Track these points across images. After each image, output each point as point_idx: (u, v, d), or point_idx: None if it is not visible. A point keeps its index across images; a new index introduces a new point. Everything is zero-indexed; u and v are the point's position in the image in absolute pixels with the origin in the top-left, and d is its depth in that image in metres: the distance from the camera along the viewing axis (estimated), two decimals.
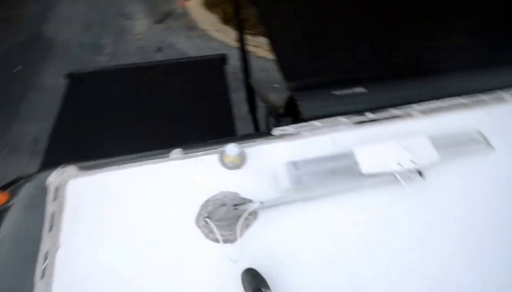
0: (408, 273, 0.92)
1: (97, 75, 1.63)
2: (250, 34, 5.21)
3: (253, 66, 5.01)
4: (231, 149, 0.99)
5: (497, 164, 1.16)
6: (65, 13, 5.99)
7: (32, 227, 0.89)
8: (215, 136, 1.17)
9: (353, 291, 0.88)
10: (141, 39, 5.39)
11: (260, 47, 4.71)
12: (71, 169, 0.97)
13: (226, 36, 5.45)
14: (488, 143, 1.20)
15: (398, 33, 1.41)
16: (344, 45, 1.33)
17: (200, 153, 1.05)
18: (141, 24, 5.69)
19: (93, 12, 5.97)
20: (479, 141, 1.20)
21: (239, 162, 1.04)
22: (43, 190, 0.96)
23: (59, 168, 0.97)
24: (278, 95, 1.78)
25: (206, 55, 1.74)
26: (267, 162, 1.06)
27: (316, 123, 1.19)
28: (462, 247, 0.97)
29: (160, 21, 5.75)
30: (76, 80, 1.70)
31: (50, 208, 0.90)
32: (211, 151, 1.07)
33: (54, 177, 0.96)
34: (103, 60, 4.96)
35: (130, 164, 1.00)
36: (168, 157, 1.05)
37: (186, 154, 1.05)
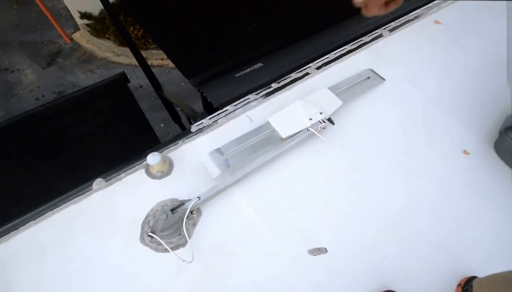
0: (344, 210, 1.03)
1: None
2: (155, 48, 5.09)
3: (170, 78, 4.91)
4: (152, 158, 0.98)
5: (391, 89, 1.35)
6: None
7: None
8: (139, 153, 1.15)
9: (306, 245, 0.96)
10: (35, 89, 4.88)
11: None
12: None
13: (130, 58, 5.24)
14: (379, 77, 1.39)
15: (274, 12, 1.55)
16: (229, 31, 1.41)
17: (122, 174, 1.02)
18: (28, 74, 5.14)
19: None
20: (372, 77, 1.39)
21: (167, 168, 1.04)
22: None
23: None
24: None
25: (104, 79, 1.67)
26: (193, 159, 1.08)
27: (229, 107, 1.24)
28: (381, 171, 1.12)
29: (49, 64, 5.25)
30: None
31: None
32: (135, 167, 1.05)
33: None
34: None
35: (49, 214, 0.93)
36: (91, 190, 1.00)
37: (108, 180, 1.01)
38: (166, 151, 1.10)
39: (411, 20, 1.66)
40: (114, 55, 5.42)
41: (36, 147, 1.45)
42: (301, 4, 1.54)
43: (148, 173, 1.03)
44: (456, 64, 1.47)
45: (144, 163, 1.03)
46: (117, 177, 1.01)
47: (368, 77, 1.36)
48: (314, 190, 1.06)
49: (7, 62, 5.40)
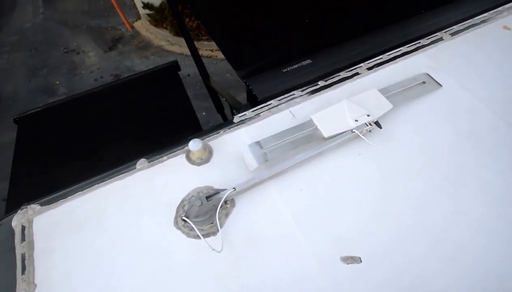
0: (386, 220, 0.93)
1: (47, 112, 1.55)
2: (206, 40, 5.18)
3: (217, 69, 4.97)
4: (194, 144, 0.96)
5: (447, 97, 1.20)
6: (1, 64, 5.64)
7: (6, 273, 0.83)
8: (182, 138, 1.15)
9: (339, 251, 0.88)
10: (96, 70, 5.21)
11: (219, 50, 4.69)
12: (33, 207, 0.92)
13: (182, 47, 5.38)
14: (436, 82, 1.25)
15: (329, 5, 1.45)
16: (281, 26, 1.35)
17: (165, 157, 1.02)
18: (91, 56, 5.50)
19: (35, 56, 5.62)
20: (428, 82, 1.25)
21: (206, 156, 1.02)
22: (11, 234, 0.90)
23: (20, 209, 0.92)
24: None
25: (158, 66, 1.71)
26: (233, 149, 1.04)
27: (273, 102, 1.19)
28: (428, 181, 1.00)
29: (111, 48, 5.58)
30: (25, 123, 1.61)
31: (19, 249, 0.84)
32: (177, 152, 1.04)
33: (17, 219, 0.90)
34: None
35: (95, 186, 0.96)
36: (134, 169, 1.02)
37: (151, 161, 1.01)
38: (207, 138, 1.08)
39: (477, 24, 1.47)
40: (168, 44, 5.60)
41: (90, 124, 1.52)
42: (357, 1, 1.43)
43: (188, 158, 1.02)
44: None
45: (185, 148, 1.02)
46: (160, 159, 1.01)
47: (424, 82, 1.22)
48: (353, 195, 0.97)
49: (74, 44, 5.82)
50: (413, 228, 0.92)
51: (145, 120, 1.60)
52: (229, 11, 1.53)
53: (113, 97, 1.56)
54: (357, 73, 1.27)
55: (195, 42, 1.97)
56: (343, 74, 1.26)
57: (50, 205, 0.92)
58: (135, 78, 1.72)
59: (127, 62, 5.31)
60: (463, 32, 1.43)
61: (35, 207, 0.92)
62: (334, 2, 1.57)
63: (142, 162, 1.02)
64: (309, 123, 1.07)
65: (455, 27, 1.45)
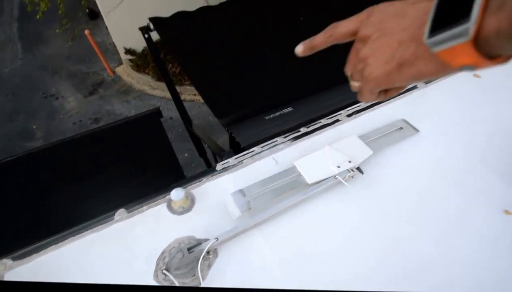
0: (373, 266, 0.98)
1: (20, 160, 1.59)
2: (189, 84, 5.45)
3: (200, 112, 5.16)
4: (176, 193, 1.02)
5: (424, 141, 1.33)
6: None
7: None
8: (164, 186, 1.20)
9: None
10: (74, 115, 5.32)
11: None
12: (4, 262, 0.92)
13: (164, 91, 5.62)
14: (413, 127, 1.38)
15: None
16: (262, 75, 1.50)
17: (145, 207, 1.06)
18: (71, 101, 5.64)
19: (13, 101, 5.78)
20: (405, 128, 1.38)
21: (188, 205, 1.07)
22: None
23: None
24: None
25: (140, 113, 1.81)
26: (216, 197, 1.10)
27: (256, 149, 1.28)
28: (412, 225, 1.07)
29: (91, 93, 5.75)
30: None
31: None
32: (158, 201, 1.09)
33: None
34: (36, 145, 4.77)
35: (70, 239, 0.98)
36: (113, 220, 1.04)
37: (131, 211, 1.05)
38: (189, 186, 1.13)
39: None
40: (150, 88, 5.84)
41: (68, 172, 1.56)
42: (335, 52, 1.61)
43: (170, 207, 1.07)
44: (498, 118, 1.43)
45: (167, 197, 1.07)
46: (140, 209, 1.05)
47: (401, 128, 1.36)
48: (338, 241, 1.02)
49: (54, 89, 5.97)
50: (399, 273, 0.96)
51: (125, 168, 1.65)
52: (210, 60, 1.69)
53: (93, 145, 1.62)
54: (337, 120, 1.39)
55: (178, 87, 2.11)
56: (324, 121, 1.39)
57: (23, 260, 0.93)
58: (115, 126, 1.80)
59: (107, 106, 5.46)
60: (437, 81, 1.62)
61: (6, 261, 0.92)
62: (314, 53, 1.76)
63: (120, 212, 1.05)
64: (292, 169, 1.16)
65: None
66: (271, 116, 1.39)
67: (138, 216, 1.04)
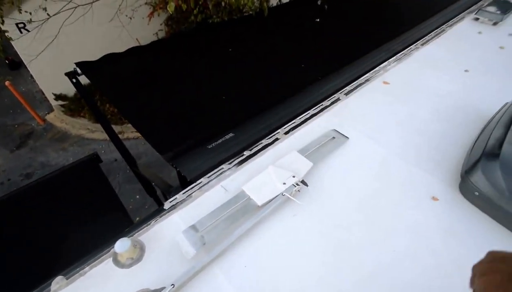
0: (333, 276, 0.95)
1: None
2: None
3: (147, 148, 4.83)
4: (121, 245, 0.88)
5: (355, 146, 1.38)
6: None
7: None
8: (109, 239, 1.04)
9: None
10: (1, 173, 4.60)
11: None
12: None
13: (105, 133, 5.19)
14: (343, 136, 1.44)
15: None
16: (199, 105, 1.44)
17: (87, 268, 0.90)
18: None
19: None
20: (337, 137, 1.42)
21: (137, 254, 0.93)
22: None
23: None
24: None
25: (76, 161, 1.60)
26: (167, 239, 0.98)
27: (203, 180, 1.20)
28: (360, 228, 1.08)
29: (19, 146, 5.06)
30: None
31: None
32: (101, 258, 0.93)
33: None
34: None
35: None
36: (49, 291, 0.86)
37: (70, 276, 0.88)
38: (137, 233, 1.00)
39: (363, 83, 1.80)
40: (88, 132, 5.35)
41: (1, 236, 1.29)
42: (267, 77, 1.63)
43: (116, 261, 0.92)
44: (410, 117, 1.56)
45: (111, 251, 0.92)
46: (81, 271, 0.89)
47: (333, 137, 1.40)
48: (296, 256, 0.98)
49: None
50: (351, 273, 0.95)
51: (62, 226, 1.42)
52: (145, 98, 1.59)
53: (23, 204, 1.37)
54: (277, 139, 1.39)
55: (119, 126, 1.94)
56: (264, 141, 1.37)
57: None
58: (48, 179, 1.56)
59: (41, 158, 4.84)
60: (355, 91, 1.73)
61: None
62: (246, 79, 1.77)
63: (58, 280, 0.87)
64: (242, 194, 1.10)
65: (347, 88, 1.75)
66: (213, 144, 1.33)
67: (80, 280, 0.88)
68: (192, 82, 1.72)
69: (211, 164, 1.24)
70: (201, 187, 1.16)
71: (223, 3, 2.79)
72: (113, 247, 0.90)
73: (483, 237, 1.08)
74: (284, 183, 1.11)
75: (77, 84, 1.78)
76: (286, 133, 1.41)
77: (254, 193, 1.08)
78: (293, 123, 1.48)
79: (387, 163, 1.32)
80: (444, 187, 1.23)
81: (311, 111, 1.56)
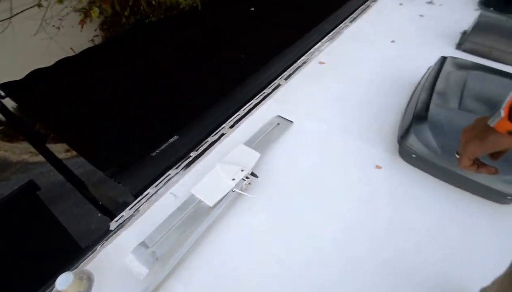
0: (296, 268, 0.94)
1: None
2: None
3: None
4: (63, 280, 0.78)
5: (300, 129, 1.38)
6: None
7: None
8: (55, 269, 0.92)
9: None
10: None
11: None
12: None
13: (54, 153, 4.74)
14: (287, 120, 1.43)
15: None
16: (135, 113, 1.33)
17: None
18: None
19: None
20: (281, 123, 1.41)
21: (85, 287, 0.84)
22: None
23: None
24: None
25: (8, 194, 1.41)
26: (117, 263, 0.90)
27: (150, 190, 1.11)
28: (313, 207, 1.08)
29: None
30: None
31: None
32: None
33: None
34: None
35: None
36: None
37: None
38: (82, 263, 0.90)
39: (300, 66, 1.80)
40: (32, 155, 4.83)
41: None
42: (207, 72, 1.56)
43: None
44: (348, 93, 1.60)
45: (53, 290, 0.82)
46: None
47: (278, 124, 1.38)
48: (256, 249, 0.95)
49: None
50: (317, 261, 0.95)
51: (6, 261, 1.25)
52: (78, 112, 1.44)
53: None
54: (222, 134, 1.33)
55: (60, 144, 1.76)
56: (210, 139, 1.31)
57: None
58: None
59: None
60: (293, 75, 1.72)
61: None
62: (186, 78, 1.68)
63: None
64: (192, 198, 1.04)
65: (286, 73, 1.74)
66: (157, 151, 1.24)
67: None
68: (130, 88, 1.59)
69: (157, 172, 1.15)
70: (149, 198, 1.07)
71: (153, 2, 2.62)
72: (53, 287, 0.80)
73: (426, 193, 1.14)
74: (233, 179, 1.07)
75: (1, 109, 1.56)
76: (231, 127, 1.37)
77: (204, 194, 1.03)
78: (237, 115, 1.43)
79: (331, 140, 1.34)
80: (386, 154, 1.28)
81: (254, 101, 1.52)
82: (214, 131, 1.34)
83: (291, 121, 1.40)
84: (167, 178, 1.14)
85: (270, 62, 1.88)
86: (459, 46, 2.00)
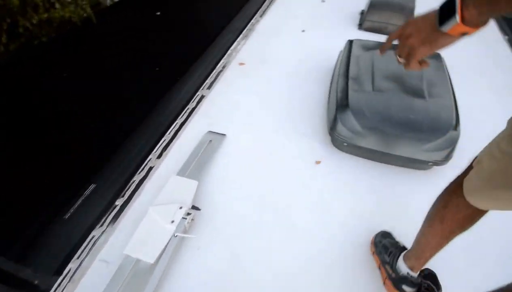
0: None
1: None
2: None
3: None
4: None
5: (234, 140, 1.26)
6: None
7: None
8: None
9: None
10: None
11: None
12: None
13: None
14: (220, 134, 1.30)
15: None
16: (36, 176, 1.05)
17: None
18: None
19: None
20: (214, 139, 1.27)
21: None
22: None
23: None
24: None
25: None
26: None
27: (71, 265, 0.88)
28: (264, 217, 0.99)
29: None
30: None
31: None
32: None
33: None
34: None
35: None
36: None
37: None
38: None
39: (221, 70, 1.68)
40: None
41: None
42: (118, 97, 1.31)
43: None
44: (273, 91, 1.53)
45: None
46: None
47: (210, 141, 1.25)
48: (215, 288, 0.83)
49: None
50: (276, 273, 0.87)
51: None
52: None
53: None
54: (151, 168, 1.15)
55: None
56: (137, 177, 1.11)
57: None
58: None
59: None
60: (216, 82, 1.59)
61: None
62: (93, 109, 1.41)
63: None
64: (127, 261, 0.85)
65: (208, 81, 1.60)
66: (71, 210, 0.99)
67: None
68: (22, 130, 1.27)
69: (77, 238, 0.93)
70: (72, 275, 0.85)
71: (34, 21, 2.16)
72: None
73: (364, 175, 1.15)
74: (173, 221, 0.91)
75: None
76: (159, 157, 1.19)
77: (141, 251, 0.85)
78: (163, 141, 1.25)
79: (268, 145, 1.26)
80: (322, 147, 1.25)
81: (179, 121, 1.35)
82: (140, 167, 1.15)
83: (224, 135, 1.28)
84: (92, 242, 0.93)
85: (188, 71, 1.71)
86: (360, 26, 2.11)
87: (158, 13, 2.36)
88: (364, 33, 2.03)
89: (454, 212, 0.63)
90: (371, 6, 2.03)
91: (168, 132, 1.28)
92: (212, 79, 1.61)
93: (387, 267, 0.84)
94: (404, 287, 0.78)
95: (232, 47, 1.86)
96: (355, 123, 1.11)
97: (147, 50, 1.96)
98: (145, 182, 1.10)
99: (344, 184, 1.13)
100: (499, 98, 1.52)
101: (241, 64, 1.73)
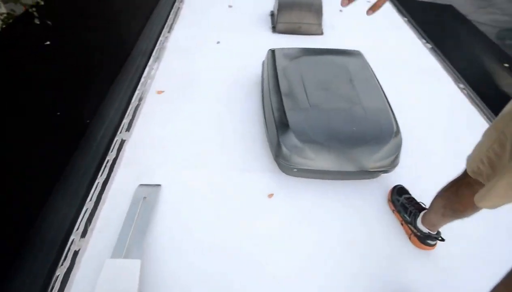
0: None
1: None
2: None
3: None
4: None
5: (171, 189, 1.08)
6: None
7: None
8: None
9: None
10: None
11: None
12: None
13: None
14: (154, 185, 1.10)
15: None
16: None
17: None
18: None
19: None
20: (148, 193, 1.07)
21: None
22: None
23: None
24: None
25: None
26: None
27: None
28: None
29: None
30: None
31: None
32: None
33: None
34: None
35: None
36: None
37: None
38: None
39: (138, 104, 1.45)
40: None
41: None
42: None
43: None
44: (202, 120, 1.37)
45: None
46: None
47: (145, 197, 1.05)
48: None
49: None
50: None
51: None
52: None
53: None
54: (75, 253, 0.90)
55: None
56: (59, 271, 0.86)
57: None
58: None
59: None
60: (135, 121, 1.35)
61: None
62: None
63: None
64: None
65: (125, 120, 1.36)
66: None
67: None
68: None
69: None
70: None
71: None
72: None
73: (320, 197, 1.10)
74: None
75: None
76: (83, 235, 0.95)
77: None
78: (85, 211, 1.01)
79: (214, 186, 1.11)
80: (271, 176, 1.16)
81: (99, 179, 1.11)
82: (61, 256, 0.90)
83: (158, 185, 1.10)
84: None
85: (98, 111, 1.42)
86: (274, 29, 2.06)
87: (48, 43, 1.93)
88: (278, 36, 1.99)
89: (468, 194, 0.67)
90: (281, 8, 2.00)
91: (89, 199, 1.04)
92: (130, 118, 1.37)
93: (410, 226, 0.98)
94: (429, 241, 0.95)
95: (144, 74, 1.62)
96: (301, 146, 1.04)
97: (42, 88, 1.56)
98: (72, 273, 0.86)
99: (302, 211, 1.06)
100: (421, 85, 1.64)
101: (159, 92, 1.53)
